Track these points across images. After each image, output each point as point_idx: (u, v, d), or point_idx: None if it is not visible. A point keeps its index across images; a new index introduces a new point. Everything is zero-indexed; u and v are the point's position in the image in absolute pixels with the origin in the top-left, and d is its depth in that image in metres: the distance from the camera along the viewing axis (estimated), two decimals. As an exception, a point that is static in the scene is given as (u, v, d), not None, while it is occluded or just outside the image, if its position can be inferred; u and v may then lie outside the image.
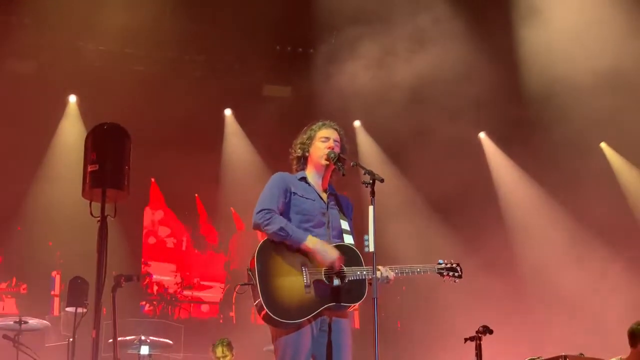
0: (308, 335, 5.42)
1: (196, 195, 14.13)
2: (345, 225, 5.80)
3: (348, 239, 5.74)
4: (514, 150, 14.49)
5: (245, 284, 5.49)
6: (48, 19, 12.27)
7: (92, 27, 12.46)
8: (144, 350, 9.72)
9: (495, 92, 12.91)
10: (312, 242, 5.51)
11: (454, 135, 13.80)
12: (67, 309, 8.67)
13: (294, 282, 5.43)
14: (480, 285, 12.57)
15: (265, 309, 5.31)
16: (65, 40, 12.79)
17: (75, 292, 8.58)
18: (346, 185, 6.14)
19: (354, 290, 5.54)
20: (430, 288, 12.51)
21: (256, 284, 5.37)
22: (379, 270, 5.53)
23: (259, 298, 5.33)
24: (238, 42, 13.08)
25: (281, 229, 5.47)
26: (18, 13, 12.44)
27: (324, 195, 5.83)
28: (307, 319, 5.39)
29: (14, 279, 12.91)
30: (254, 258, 5.44)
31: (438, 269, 5.99)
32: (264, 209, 5.55)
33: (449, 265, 6.02)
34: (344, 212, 5.89)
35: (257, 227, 5.56)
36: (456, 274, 6.02)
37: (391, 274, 5.68)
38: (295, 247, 5.50)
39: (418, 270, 5.90)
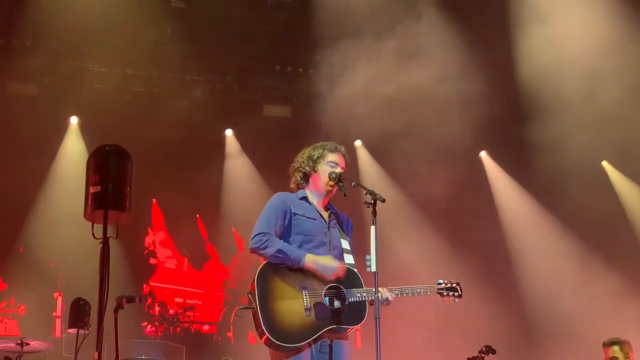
0: (307, 358, 5.41)
1: (197, 215, 14.10)
2: (345, 244, 5.81)
3: (349, 259, 5.75)
4: (514, 169, 14.49)
5: (245, 308, 5.50)
6: (49, 41, 12.32)
7: (93, 48, 12.50)
8: (146, 371, 9.73)
9: (496, 112, 12.91)
10: (310, 261, 5.52)
11: (456, 154, 13.82)
12: (69, 330, 8.66)
13: (294, 305, 5.42)
14: (483, 306, 12.55)
15: (266, 333, 5.31)
16: (67, 62, 12.83)
17: (77, 313, 8.58)
18: (347, 204, 6.15)
19: (355, 312, 5.54)
20: (431, 307, 12.47)
21: (256, 308, 5.37)
22: (378, 292, 5.52)
23: (260, 322, 5.34)
24: (238, 62, 13.13)
25: (279, 250, 5.48)
26: (19, 36, 12.49)
27: (325, 214, 5.84)
28: (307, 342, 5.38)
29: (13, 300, 12.87)
30: (254, 282, 5.44)
31: (438, 289, 5.97)
32: (260, 233, 5.57)
33: (448, 285, 6.00)
34: (345, 231, 5.90)
35: (253, 251, 5.57)
36: (456, 294, 6.01)
37: (391, 295, 5.67)
38: (296, 268, 5.51)
39: (418, 290, 5.88)
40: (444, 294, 5.98)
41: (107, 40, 12.45)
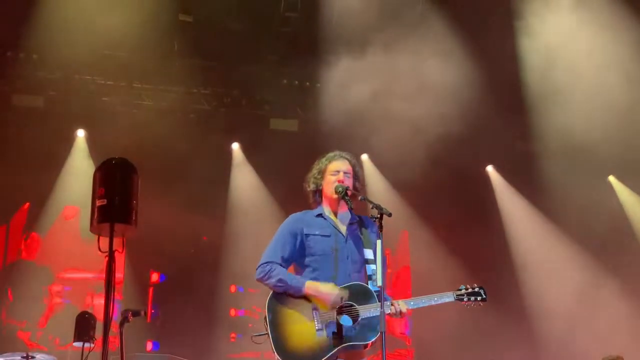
0: (324, 379, 5.38)
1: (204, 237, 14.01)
2: (369, 254, 5.74)
3: (369, 270, 5.68)
4: (521, 184, 14.47)
5: (259, 335, 5.50)
6: (56, 54, 12.34)
7: (100, 61, 12.52)
8: (151, 385, 9.71)
9: (503, 126, 12.91)
10: (310, 289, 5.51)
11: (462, 168, 13.82)
12: (75, 343, 8.65)
13: (305, 327, 5.43)
14: (487, 320, 12.51)
15: (280, 358, 5.32)
16: (74, 76, 12.86)
17: (82, 326, 8.57)
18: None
19: (367, 328, 5.51)
20: (436, 322, 12.45)
21: (268, 333, 5.37)
22: (392, 305, 5.49)
23: (272, 348, 5.35)
24: (245, 76, 13.14)
25: (279, 280, 5.50)
26: (26, 49, 12.52)
27: (343, 228, 5.80)
28: (327, 358, 5.35)
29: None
30: (265, 309, 5.45)
31: (458, 295, 5.81)
32: (264, 263, 5.62)
33: (470, 290, 5.84)
34: (369, 239, 5.82)
35: (259, 281, 5.61)
36: (479, 298, 5.84)
37: (404, 307, 5.60)
38: (298, 296, 5.51)
39: (435, 299, 5.75)
40: (465, 299, 5.80)
41: (114, 53, 12.47)
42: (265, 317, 5.43)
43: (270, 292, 5.52)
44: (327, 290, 5.49)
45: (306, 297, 5.50)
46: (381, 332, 5.21)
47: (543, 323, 13.64)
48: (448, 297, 5.80)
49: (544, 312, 13.59)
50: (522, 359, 12.66)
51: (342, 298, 5.49)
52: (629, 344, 11.31)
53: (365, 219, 5.93)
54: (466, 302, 5.83)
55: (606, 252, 13.34)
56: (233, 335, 13.58)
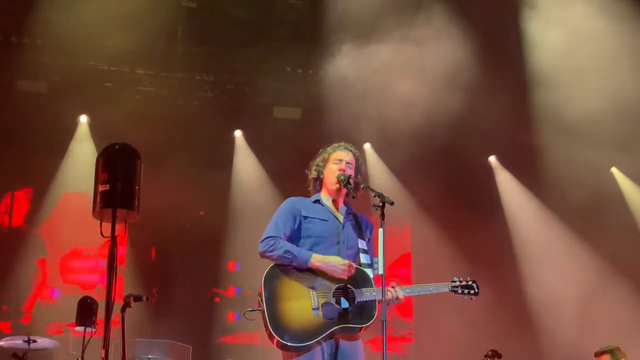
0: (319, 358, 5.42)
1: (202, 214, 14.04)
2: (362, 244, 5.80)
3: (364, 258, 5.73)
4: (523, 175, 14.47)
5: (253, 310, 5.51)
6: (59, 40, 12.32)
7: (103, 47, 12.50)
8: (152, 370, 9.74)
9: (506, 117, 12.90)
10: (317, 260, 5.53)
11: (465, 159, 13.83)
12: (76, 328, 8.68)
13: (302, 306, 5.43)
14: (488, 308, 12.53)
15: (273, 334, 5.33)
16: (77, 61, 12.85)
17: (84, 312, 8.59)
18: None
19: (364, 312, 5.53)
20: (439, 310, 12.47)
21: (264, 310, 5.38)
22: (388, 291, 5.52)
23: (267, 324, 5.35)
24: (248, 63, 13.13)
25: (286, 251, 5.51)
26: (30, 34, 12.51)
27: (340, 216, 5.84)
28: (317, 341, 5.38)
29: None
30: (261, 284, 5.46)
31: (452, 287, 5.89)
32: (268, 237, 5.61)
33: (464, 283, 5.92)
34: (362, 231, 5.87)
35: (262, 255, 5.61)
36: (472, 292, 5.92)
37: (401, 294, 5.65)
38: (304, 268, 5.52)
39: (431, 289, 5.82)
40: (459, 291, 5.89)
41: (117, 39, 12.44)
42: (260, 293, 5.44)
43: (267, 269, 5.52)
44: (335, 261, 5.52)
45: (308, 273, 5.52)
46: (382, 322, 5.23)
47: (543, 312, 13.65)
48: (443, 288, 5.88)
49: (545, 302, 13.59)
50: (522, 347, 12.65)
51: (351, 268, 5.51)
52: (631, 335, 11.33)
53: (359, 216, 5.98)
54: (459, 294, 5.91)
55: (608, 243, 13.32)
56: (231, 314, 13.66)
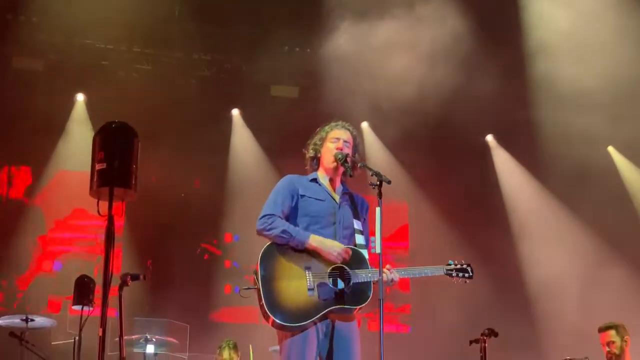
0: (314, 338, 5.42)
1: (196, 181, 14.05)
2: (358, 224, 5.79)
3: (359, 239, 5.73)
4: (520, 153, 14.47)
5: (248, 288, 5.52)
6: (56, 17, 12.29)
7: (100, 25, 12.47)
8: (150, 349, 9.76)
9: (502, 95, 12.89)
10: (315, 241, 5.53)
11: (461, 137, 13.82)
12: (74, 307, 8.69)
13: (297, 286, 5.43)
14: (486, 289, 12.56)
15: (269, 313, 5.33)
16: (73, 39, 12.81)
17: (81, 290, 8.60)
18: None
19: (359, 293, 5.53)
20: (435, 290, 12.50)
21: (259, 288, 5.38)
22: (384, 273, 5.52)
23: (262, 302, 5.35)
24: (246, 42, 13.09)
25: (284, 231, 5.50)
26: (26, 12, 12.45)
27: (336, 196, 5.83)
28: (312, 321, 5.39)
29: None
30: (257, 263, 5.46)
31: (447, 270, 5.94)
32: (266, 215, 5.59)
33: (459, 266, 5.96)
34: (358, 212, 5.87)
35: (260, 232, 5.60)
36: (467, 275, 5.97)
37: (396, 276, 5.66)
38: (300, 248, 5.51)
39: (426, 271, 5.86)
40: (454, 275, 5.94)
41: (115, 17, 12.40)
42: (256, 271, 5.44)
43: (263, 247, 5.52)
44: (332, 245, 5.52)
45: (304, 253, 5.51)
46: (379, 300, 5.26)
47: (541, 290, 13.68)
48: (438, 271, 5.93)
49: (542, 280, 13.61)
50: (518, 328, 12.69)
51: (346, 254, 5.52)
52: (627, 314, 11.36)
53: (355, 195, 5.97)
54: (454, 277, 5.96)
55: (605, 222, 13.35)
56: (228, 286, 13.71)
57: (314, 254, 5.53)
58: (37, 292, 12.81)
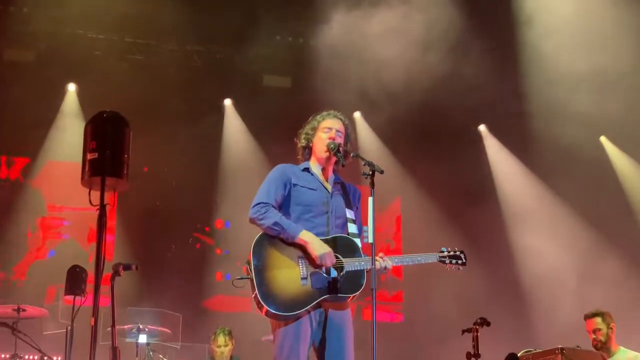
0: (307, 326, 5.43)
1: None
2: (350, 214, 5.80)
3: (352, 228, 5.74)
4: (513, 143, 14.48)
5: (241, 278, 5.51)
6: (47, 7, 12.25)
7: (91, 15, 12.43)
8: (142, 338, 9.74)
9: (496, 86, 12.90)
10: (305, 237, 5.51)
11: (454, 127, 13.83)
12: (66, 297, 8.68)
13: (290, 275, 5.43)
14: (477, 277, 12.58)
15: (262, 303, 5.33)
16: (64, 29, 12.76)
17: (73, 280, 8.59)
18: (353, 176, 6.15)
19: (352, 281, 5.54)
20: (428, 279, 12.51)
21: (252, 278, 5.38)
22: (377, 260, 5.52)
23: (255, 292, 5.35)
24: (238, 32, 13.06)
25: (275, 223, 5.48)
26: (17, 2, 12.43)
27: (328, 185, 5.83)
28: (306, 310, 5.40)
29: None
30: (250, 252, 5.46)
31: (440, 257, 5.96)
32: (260, 203, 5.58)
33: (452, 253, 6.00)
34: (350, 201, 5.88)
35: (252, 221, 5.59)
36: (460, 262, 6.00)
37: (390, 264, 5.66)
38: (290, 242, 5.51)
39: (419, 259, 5.88)
40: (447, 262, 5.97)
41: (106, 7, 12.36)
42: (249, 261, 5.44)
43: (256, 237, 5.51)
44: (319, 250, 5.48)
45: (295, 245, 5.51)
46: (372, 290, 5.25)
47: (533, 281, 13.71)
48: (431, 258, 5.95)
49: (535, 270, 13.64)
50: (511, 317, 12.74)
51: (330, 261, 5.50)
52: (619, 305, 11.40)
53: (347, 185, 5.98)
54: (447, 264, 5.99)
55: (596, 210, 13.38)
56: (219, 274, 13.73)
57: None
58: (35, 281, 12.82)
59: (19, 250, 12.99)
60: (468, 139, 14.59)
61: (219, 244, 13.90)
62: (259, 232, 5.56)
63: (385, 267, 5.64)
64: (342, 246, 5.59)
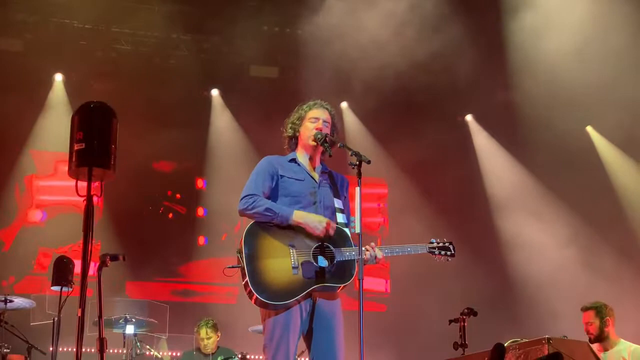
0: (297, 316, 5.46)
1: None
2: (338, 203, 5.81)
3: (340, 218, 5.75)
4: (500, 133, 14.51)
5: (232, 267, 5.52)
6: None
7: (78, 5, 12.37)
8: (129, 329, 9.75)
9: (482, 75, 12.91)
10: (299, 216, 5.53)
11: (442, 118, 13.84)
12: (53, 288, 8.67)
13: (281, 264, 5.44)
14: (465, 268, 12.61)
15: (253, 292, 5.34)
16: (52, 19, 12.71)
17: (60, 271, 8.57)
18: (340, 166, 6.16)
19: (342, 271, 5.55)
20: (415, 270, 12.53)
21: (243, 267, 5.38)
22: (367, 250, 5.54)
23: (247, 281, 5.36)
24: (225, 22, 13.03)
25: (267, 209, 5.50)
26: (4, -9, 12.38)
27: (315, 175, 5.83)
28: (296, 300, 5.41)
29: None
30: (242, 240, 5.46)
31: (430, 248, 5.97)
32: (248, 195, 5.59)
33: (441, 244, 6.01)
34: (338, 190, 5.88)
35: (242, 213, 5.60)
36: (449, 253, 6.01)
37: (380, 254, 5.67)
38: (285, 224, 5.51)
39: (409, 249, 5.89)
40: (436, 252, 5.98)
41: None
42: (240, 250, 5.44)
43: (247, 226, 5.52)
44: (317, 218, 5.54)
45: (288, 230, 5.52)
46: (359, 280, 5.31)
47: (521, 272, 13.76)
48: (421, 249, 5.96)
49: (522, 262, 13.69)
50: (498, 307, 12.78)
51: (332, 226, 5.53)
52: (607, 294, 11.46)
53: (335, 174, 5.99)
54: (437, 255, 6.01)
55: (584, 202, 13.42)
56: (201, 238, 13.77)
57: (298, 231, 5.55)
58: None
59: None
60: (455, 129, 14.61)
61: (199, 204, 14.01)
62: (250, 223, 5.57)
63: (376, 257, 5.65)
64: (333, 235, 5.60)
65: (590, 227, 13.33)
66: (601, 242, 13.17)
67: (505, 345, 7.36)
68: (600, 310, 8.42)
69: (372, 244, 5.67)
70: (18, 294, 9.82)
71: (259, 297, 5.33)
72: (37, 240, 12.86)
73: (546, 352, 6.58)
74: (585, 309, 8.52)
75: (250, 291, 5.35)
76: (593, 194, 13.44)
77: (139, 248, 12.80)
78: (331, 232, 5.55)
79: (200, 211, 14.01)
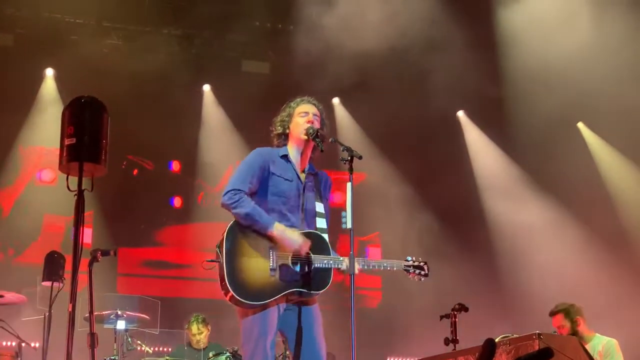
0: (275, 314, 5.44)
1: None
2: (320, 207, 5.78)
3: (321, 223, 5.72)
4: (492, 129, 14.53)
5: (211, 261, 5.49)
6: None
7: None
8: (120, 325, 9.72)
9: (474, 71, 12.92)
10: (277, 230, 5.47)
11: (433, 113, 13.84)
12: (44, 283, 8.66)
13: (260, 264, 5.41)
14: (456, 263, 12.62)
15: (230, 290, 5.31)
16: (43, 14, 12.68)
17: (51, 266, 8.57)
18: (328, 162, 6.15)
19: (319, 278, 5.53)
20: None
21: (222, 263, 5.36)
22: (343, 261, 5.51)
23: (224, 277, 5.34)
24: (217, 17, 13.01)
25: (247, 214, 5.43)
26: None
27: (302, 176, 5.80)
28: (272, 301, 5.39)
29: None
30: (223, 236, 5.44)
31: (405, 266, 5.94)
32: (233, 190, 5.52)
33: (416, 263, 5.98)
34: (321, 193, 5.86)
35: (225, 207, 5.54)
36: (422, 273, 5.99)
37: (357, 267, 5.60)
38: (262, 233, 5.48)
39: (385, 265, 5.87)
40: (411, 271, 5.96)
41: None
42: (221, 244, 5.42)
43: (230, 223, 5.47)
44: (294, 237, 5.49)
45: (268, 236, 5.50)
46: (350, 275, 5.33)
47: (513, 268, 13.78)
48: (397, 265, 5.94)
49: (514, 258, 13.71)
50: (489, 304, 12.79)
51: (306, 246, 5.51)
52: (596, 295, 11.49)
53: (321, 174, 5.95)
54: (411, 273, 5.99)
55: (575, 199, 13.44)
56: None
57: None
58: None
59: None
60: (446, 125, 14.62)
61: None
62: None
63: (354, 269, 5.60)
64: (312, 243, 5.57)
65: (583, 222, 13.37)
66: (594, 237, 13.20)
67: (496, 340, 7.37)
68: (568, 312, 8.32)
69: (351, 255, 5.61)
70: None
71: (234, 294, 5.30)
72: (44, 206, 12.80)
73: (537, 348, 6.57)
74: (553, 314, 8.42)
75: (227, 287, 5.31)
76: (584, 189, 13.45)
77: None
78: (306, 250, 5.50)
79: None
